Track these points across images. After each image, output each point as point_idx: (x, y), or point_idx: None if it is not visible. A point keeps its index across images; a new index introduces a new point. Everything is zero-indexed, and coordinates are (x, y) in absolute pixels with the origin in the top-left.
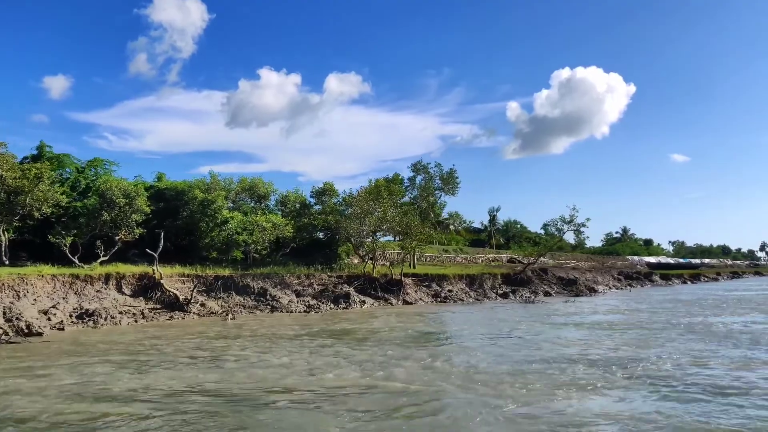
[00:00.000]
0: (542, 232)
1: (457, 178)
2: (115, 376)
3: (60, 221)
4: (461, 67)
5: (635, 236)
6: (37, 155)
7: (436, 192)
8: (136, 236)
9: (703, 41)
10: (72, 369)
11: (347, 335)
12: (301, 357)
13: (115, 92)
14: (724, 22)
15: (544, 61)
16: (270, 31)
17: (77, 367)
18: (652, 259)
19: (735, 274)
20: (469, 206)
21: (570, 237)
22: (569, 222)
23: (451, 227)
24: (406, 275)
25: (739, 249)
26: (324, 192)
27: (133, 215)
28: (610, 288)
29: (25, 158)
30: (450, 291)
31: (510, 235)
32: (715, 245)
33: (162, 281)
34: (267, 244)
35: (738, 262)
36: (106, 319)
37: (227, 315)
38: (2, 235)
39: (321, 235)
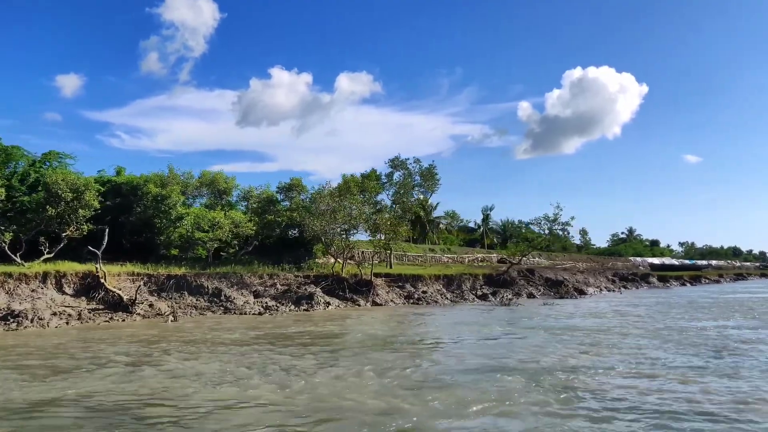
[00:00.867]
0: (547, 232)
1: (436, 175)
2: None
3: (5, 216)
4: (473, 67)
5: (641, 237)
6: None
7: (417, 189)
8: (84, 233)
9: (717, 41)
10: None
11: (293, 339)
12: (223, 364)
13: (128, 91)
14: (738, 21)
15: (555, 61)
16: (281, 31)
17: None
18: (655, 261)
19: (739, 276)
20: (476, 206)
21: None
22: (553, 221)
23: (442, 226)
24: (378, 275)
25: (750, 251)
26: (291, 187)
27: (81, 210)
28: (601, 290)
29: None
30: (424, 292)
31: (508, 235)
32: (725, 247)
33: (103, 280)
34: (229, 242)
35: (747, 263)
36: (32, 320)
37: (173, 316)
38: None
39: (295, 232)
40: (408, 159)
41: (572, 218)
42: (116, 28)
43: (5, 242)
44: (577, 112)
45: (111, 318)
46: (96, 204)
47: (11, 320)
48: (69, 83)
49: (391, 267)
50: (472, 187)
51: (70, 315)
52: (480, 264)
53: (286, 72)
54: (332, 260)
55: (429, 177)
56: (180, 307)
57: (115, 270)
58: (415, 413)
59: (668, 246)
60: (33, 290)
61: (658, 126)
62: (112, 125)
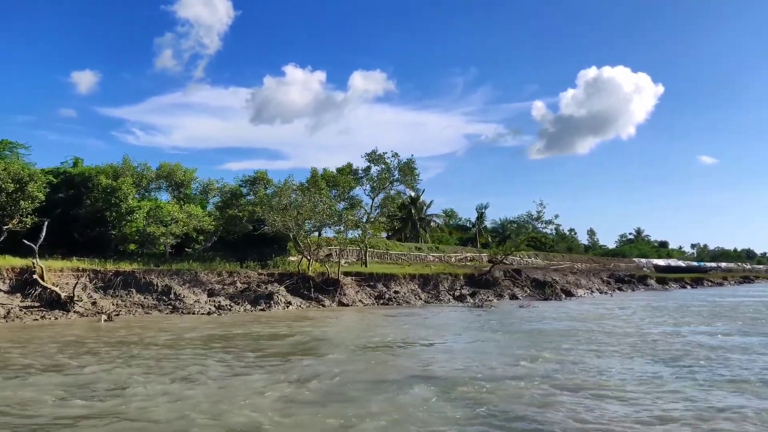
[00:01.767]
0: (553, 232)
1: (415, 169)
2: None
3: None
4: (487, 66)
5: (649, 238)
6: None
7: (396, 184)
8: (28, 225)
9: (734, 41)
10: None
11: (228, 342)
12: (130, 370)
13: (143, 88)
14: (755, 21)
15: (570, 61)
16: (295, 28)
17: None
18: (661, 262)
19: (746, 279)
20: (480, 204)
21: (576, 237)
22: (536, 219)
23: (433, 224)
24: (349, 274)
25: (765, 253)
26: (256, 181)
27: (23, 202)
28: (592, 292)
29: None
30: (396, 293)
31: (507, 234)
32: (739, 249)
33: (38, 276)
34: (195, 237)
35: (760, 266)
36: None
37: (107, 315)
38: None
39: (266, 228)
40: (386, 153)
41: (556, 216)
42: (131, 25)
43: None
44: (591, 112)
45: (43, 316)
46: (41, 196)
47: None
48: (84, 79)
49: (366, 265)
50: (484, 187)
51: None
52: (468, 263)
53: (300, 70)
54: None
55: (408, 172)
56: (126, 306)
57: (59, 265)
58: None
59: (680, 248)
60: None
61: (673, 127)
62: (127, 122)
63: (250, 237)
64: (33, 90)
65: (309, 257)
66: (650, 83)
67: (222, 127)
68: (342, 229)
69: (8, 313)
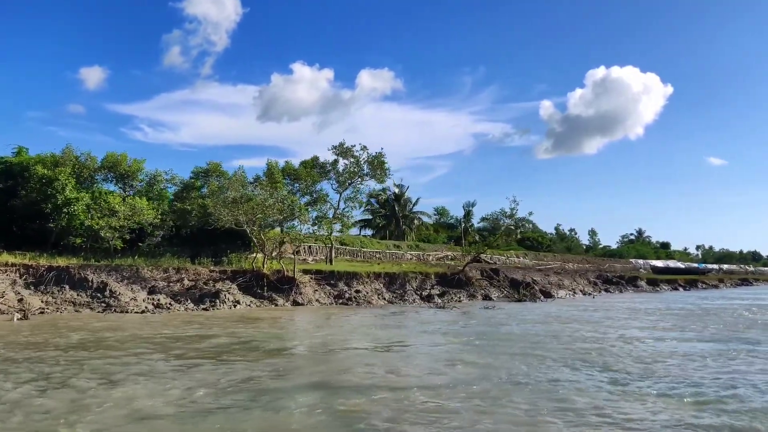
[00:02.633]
0: (554, 232)
1: (385, 163)
2: None
3: None
4: (496, 66)
5: (650, 239)
6: None
7: (365, 179)
8: None
9: (744, 41)
10: None
11: (141, 344)
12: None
13: (151, 84)
14: (766, 21)
15: (579, 60)
16: (303, 26)
17: None
18: (659, 263)
19: (744, 281)
20: (491, 205)
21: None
22: (510, 216)
23: (417, 221)
24: (308, 272)
25: None
26: (208, 172)
27: None
28: (575, 293)
29: None
30: (357, 292)
31: (497, 233)
32: (745, 251)
33: None
34: (151, 232)
35: (765, 268)
36: None
37: (21, 314)
38: None
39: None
40: (354, 146)
41: (530, 213)
42: (139, 22)
43: None
44: (599, 112)
45: None
46: None
47: None
48: (92, 76)
49: (331, 263)
50: (490, 186)
51: None
52: (448, 262)
53: (308, 67)
54: (287, 253)
55: (378, 165)
56: (56, 303)
57: None
58: None
59: (685, 249)
60: None
61: (682, 127)
62: (136, 118)
63: (207, 232)
64: (42, 86)
65: (265, 254)
66: (659, 83)
67: (230, 125)
68: (297, 224)
69: None
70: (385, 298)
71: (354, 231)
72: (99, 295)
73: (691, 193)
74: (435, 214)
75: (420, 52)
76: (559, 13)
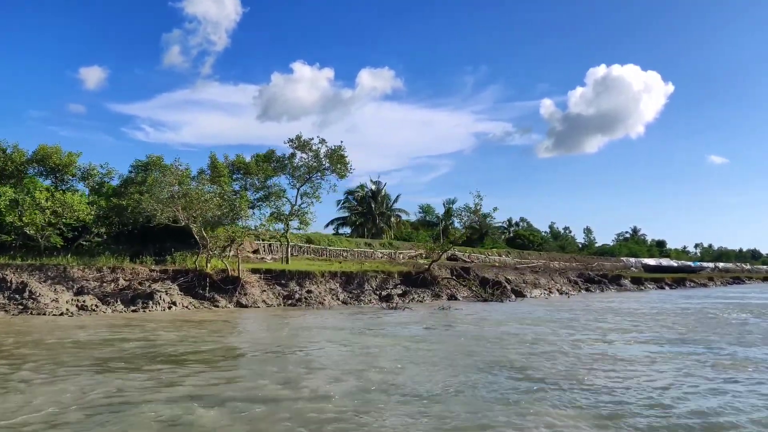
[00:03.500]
0: (548, 231)
1: (345, 157)
2: None
3: None
4: (498, 65)
5: (645, 237)
6: None
7: (325, 174)
8: None
9: (746, 39)
10: None
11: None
12: None
13: (151, 84)
14: (766, 20)
15: (580, 59)
16: (303, 25)
17: None
18: (651, 261)
19: (736, 280)
20: (494, 204)
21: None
22: (473, 212)
23: (394, 219)
24: (257, 271)
25: None
26: (148, 166)
27: None
28: (550, 292)
29: None
30: (309, 292)
31: (483, 232)
32: (745, 249)
33: None
34: (95, 230)
35: (763, 267)
36: None
37: None
38: None
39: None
40: (312, 139)
41: (495, 209)
42: (138, 21)
43: None
44: (600, 111)
45: None
46: None
47: None
48: (92, 75)
49: (287, 262)
50: (491, 185)
51: None
52: (421, 261)
53: (308, 67)
54: (248, 252)
55: (338, 159)
56: None
57: None
58: None
59: (684, 247)
60: None
61: (683, 126)
62: (137, 118)
63: (154, 230)
64: (43, 85)
65: (208, 252)
66: (660, 82)
67: (231, 124)
68: (251, 221)
69: None
70: (339, 299)
71: (329, 229)
72: (17, 296)
73: (692, 192)
74: (420, 212)
75: (421, 51)
76: (560, 11)
